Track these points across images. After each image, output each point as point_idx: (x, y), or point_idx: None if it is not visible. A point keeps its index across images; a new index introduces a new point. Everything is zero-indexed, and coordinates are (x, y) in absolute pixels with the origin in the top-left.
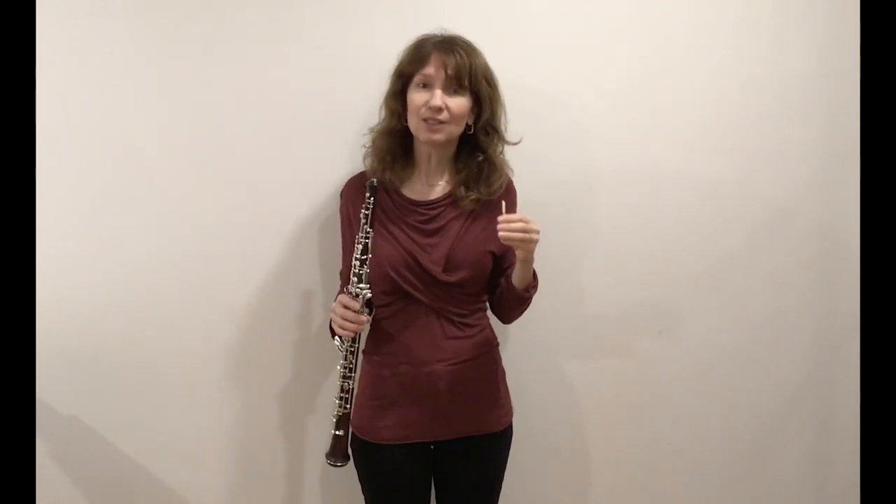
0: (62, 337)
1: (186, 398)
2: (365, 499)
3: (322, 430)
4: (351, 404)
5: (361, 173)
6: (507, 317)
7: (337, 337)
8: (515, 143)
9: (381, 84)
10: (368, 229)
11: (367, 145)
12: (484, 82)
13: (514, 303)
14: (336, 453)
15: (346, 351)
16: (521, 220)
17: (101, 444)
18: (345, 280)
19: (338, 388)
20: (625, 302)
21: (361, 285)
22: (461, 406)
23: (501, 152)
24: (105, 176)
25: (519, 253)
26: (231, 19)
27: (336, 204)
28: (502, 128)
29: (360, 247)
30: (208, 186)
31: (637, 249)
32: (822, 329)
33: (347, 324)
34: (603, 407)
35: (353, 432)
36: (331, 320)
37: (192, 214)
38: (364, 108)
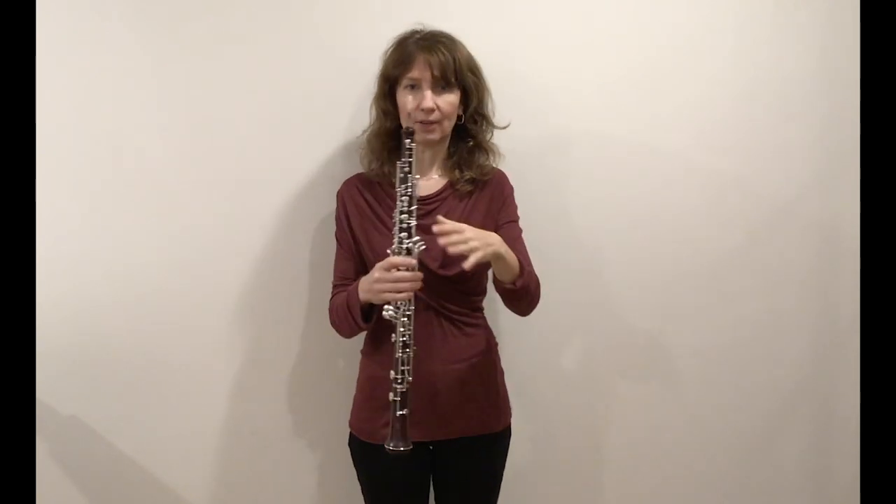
0: (62, 337)
1: (186, 397)
2: (365, 500)
3: (323, 429)
4: (412, 376)
5: (358, 174)
6: (514, 309)
7: (389, 306)
8: (504, 128)
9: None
10: (414, 177)
11: (362, 147)
12: (469, 74)
13: (504, 296)
14: (402, 436)
15: (402, 316)
16: (454, 231)
17: (100, 443)
18: (338, 285)
19: (396, 362)
20: (623, 301)
21: (414, 238)
22: (460, 406)
23: (490, 137)
24: (105, 175)
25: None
26: (231, 19)
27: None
28: (490, 113)
29: (406, 199)
30: (209, 185)
31: (636, 248)
32: (821, 328)
33: (404, 284)
34: (601, 407)
35: (351, 433)
36: (365, 291)
37: (193, 213)
38: (362, 106)
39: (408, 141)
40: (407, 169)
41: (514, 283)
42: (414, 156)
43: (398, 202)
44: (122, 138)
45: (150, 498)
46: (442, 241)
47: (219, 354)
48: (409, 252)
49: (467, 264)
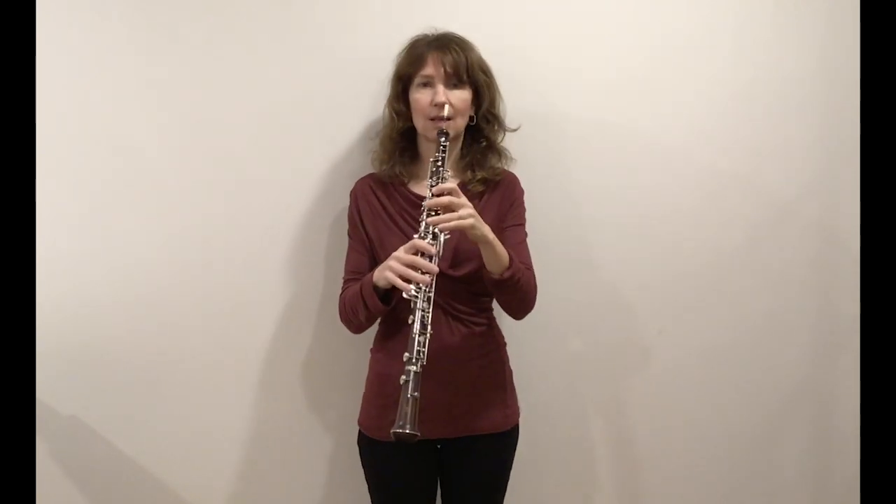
0: (62, 336)
1: (187, 397)
2: (371, 497)
3: (326, 429)
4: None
5: (370, 174)
6: (507, 308)
7: (411, 285)
8: (514, 130)
9: (384, 82)
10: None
11: (374, 150)
12: (481, 73)
13: (494, 288)
14: (411, 420)
15: (423, 299)
16: (451, 191)
17: (101, 443)
18: (349, 279)
19: (411, 342)
20: (623, 301)
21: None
22: (468, 405)
23: (502, 140)
24: (105, 175)
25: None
26: (233, 19)
27: (337, 202)
28: (501, 114)
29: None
30: (209, 185)
31: (636, 248)
32: (821, 328)
33: (414, 274)
34: (604, 407)
35: (360, 431)
36: (380, 269)
37: (193, 214)
38: (368, 106)
39: (442, 139)
40: (440, 163)
41: (501, 274)
42: (447, 152)
43: (428, 192)
44: (122, 138)
45: (150, 498)
46: (431, 219)
47: (219, 354)
48: (434, 237)
49: (445, 225)
